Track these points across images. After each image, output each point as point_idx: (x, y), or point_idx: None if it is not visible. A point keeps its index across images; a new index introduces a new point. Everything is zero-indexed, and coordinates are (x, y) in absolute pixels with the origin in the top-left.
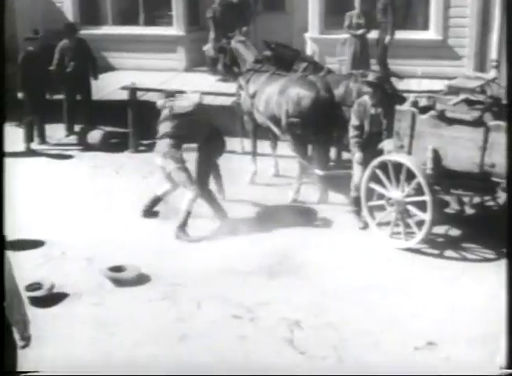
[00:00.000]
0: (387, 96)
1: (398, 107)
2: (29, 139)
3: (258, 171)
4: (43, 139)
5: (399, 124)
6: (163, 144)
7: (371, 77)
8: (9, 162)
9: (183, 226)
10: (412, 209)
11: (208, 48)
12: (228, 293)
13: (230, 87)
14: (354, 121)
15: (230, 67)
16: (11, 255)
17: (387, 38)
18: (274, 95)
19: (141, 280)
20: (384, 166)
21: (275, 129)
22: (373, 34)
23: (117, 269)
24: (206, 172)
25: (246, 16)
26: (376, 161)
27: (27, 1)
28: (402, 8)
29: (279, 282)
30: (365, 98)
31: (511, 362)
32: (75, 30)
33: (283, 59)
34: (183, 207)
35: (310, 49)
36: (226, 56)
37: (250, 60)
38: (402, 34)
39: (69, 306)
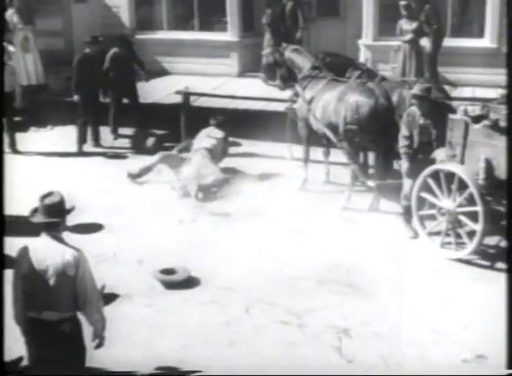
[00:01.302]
0: (437, 105)
1: (450, 116)
2: (82, 140)
3: (308, 178)
4: (97, 141)
5: (452, 134)
6: None
7: (417, 88)
8: (59, 161)
9: None
10: (463, 219)
11: (266, 53)
12: (276, 298)
13: (282, 92)
14: (403, 131)
15: (288, 79)
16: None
17: (429, 47)
18: (332, 101)
19: (191, 282)
20: (435, 175)
21: (332, 136)
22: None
23: (168, 271)
24: None
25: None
26: (427, 170)
27: (84, 7)
28: (456, 15)
29: (328, 289)
30: (414, 108)
31: (511, 362)
32: (127, 41)
33: (335, 67)
34: None
35: (363, 56)
36: (282, 68)
37: (307, 67)
38: (456, 42)
39: (120, 307)
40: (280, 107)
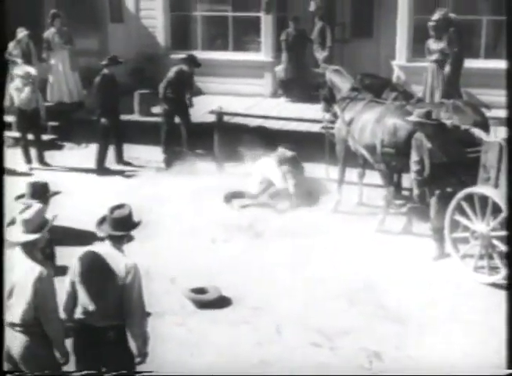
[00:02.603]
0: (442, 127)
1: (485, 139)
2: (102, 158)
3: (342, 199)
4: (120, 159)
5: (486, 156)
6: None
7: (415, 114)
8: (88, 178)
9: None
10: (497, 244)
11: (279, 69)
12: (308, 319)
13: (314, 113)
14: (413, 156)
15: (330, 100)
16: None
17: (448, 68)
18: (370, 123)
19: (222, 302)
20: (469, 198)
21: (369, 157)
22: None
23: (199, 290)
24: None
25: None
26: (462, 193)
27: (120, 27)
28: (490, 36)
29: (360, 310)
30: (419, 133)
31: (511, 362)
32: (194, 62)
33: (372, 89)
34: None
35: (396, 77)
36: (324, 89)
37: (346, 88)
38: (490, 64)
39: (151, 325)
40: (313, 128)
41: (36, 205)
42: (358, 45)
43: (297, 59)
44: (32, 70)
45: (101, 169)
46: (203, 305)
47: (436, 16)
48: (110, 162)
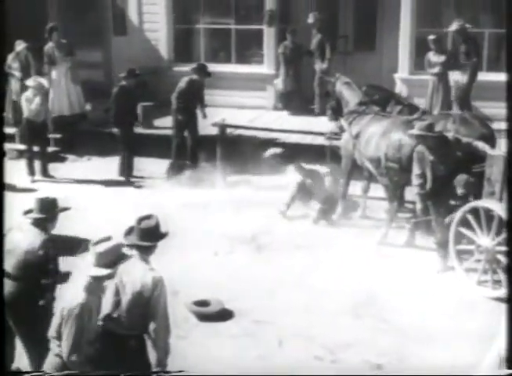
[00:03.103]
0: (443, 140)
1: (489, 152)
2: (125, 170)
3: (346, 212)
4: (130, 172)
5: (490, 170)
6: None
7: (417, 127)
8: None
9: None
10: (501, 259)
11: (278, 82)
12: (311, 332)
13: (317, 126)
14: (415, 169)
15: (337, 110)
16: None
17: (465, 80)
18: (375, 136)
19: (224, 315)
20: (475, 211)
21: (374, 170)
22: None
23: (202, 303)
24: None
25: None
26: (467, 206)
27: (123, 39)
28: (492, 49)
29: (363, 323)
30: (421, 146)
31: (511, 362)
32: (205, 71)
33: (376, 101)
34: None
35: (399, 90)
36: (331, 98)
37: (354, 102)
38: (492, 76)
39: None
40: (316, 140)
41: (113, 240)
42: (360, 57)
43: (295, 72)
44: (44, 82)
45: (129, 180)
46: (206, 317)
47: (453, 26)
48: (113, 174)
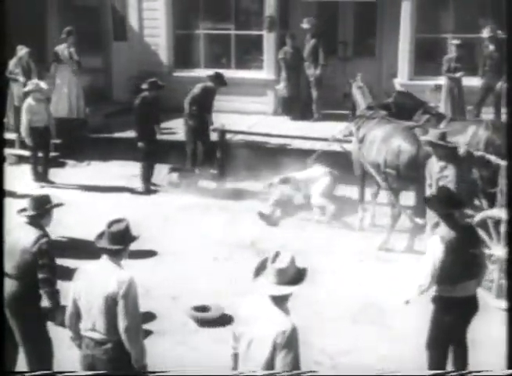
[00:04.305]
0: (452, 150)
1: (502, 163)
2: (148, 179)
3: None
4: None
5: (502, 181)
6: None
7: (431, 134)
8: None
9: None
10: None
11: (280, 87)
12: (310, 338)
13: (318, 131)
14: (428, 179)
15: (354, 112)
16: None
17: (500, 84)
18: (376, 140)
19: (224, 320)
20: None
21: (375, 174)
22: (474, 82)
23: (201, 308)
24: None
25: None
26: (478, 216)
27: (123, 45)
28: None
29: (363, 329)
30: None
31: (511, 362)
32: (221, 79)
33: (404, 108)
34: None
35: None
36: (348, 100)
37: (362, 106)
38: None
39: (152, 344)
40: (316, 145)
41: (287, 253)
42: (360, 63)
43: (297, 77)
44: (44, 85)
45: (148, 190)
46: (205, 323)
47: (485, 33)
48: (114, 179)
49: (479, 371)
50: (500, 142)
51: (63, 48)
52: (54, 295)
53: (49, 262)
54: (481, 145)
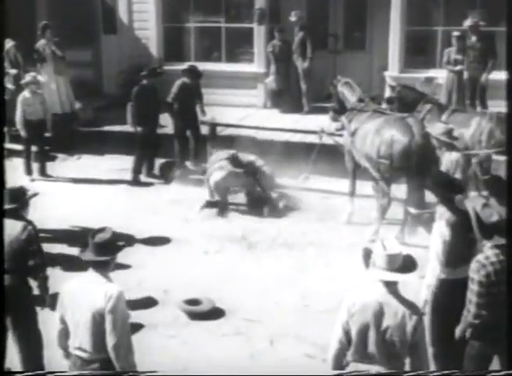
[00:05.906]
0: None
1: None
2: (138, 171)
3: (357, 211)
4: (150, 171)
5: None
6: None
7: (438, 130)
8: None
9: None
10: None
11: (270, 81)
12: (301, 331)
13: (309, 123)
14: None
15: (340, 111)
16: None
17: (484, 77)
18: (370, 132)
19: (215, 313)
20: None
21: (369, 167)
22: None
23: (193, 302)
24: None
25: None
26: None
27: (113, 38)
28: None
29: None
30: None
31: (511, 362)
32: (196, 72)
33: (407, 100)
34: None
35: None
36: (333, 100)
37: (353, 100)
38: (491, 75)
39: (144, 337)
40: (306, 138)
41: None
42: (350, 56)
43: (286, 70)
44: (41, 78)
45: (136, 181)
46: (197, 316)
47: (467, 22)
48: (104, 172)
49: (479, 371)
50: (503, 134)
51: (43, 45)
52: (46, 280)
53: (39, 248)
54: (483, 137)
